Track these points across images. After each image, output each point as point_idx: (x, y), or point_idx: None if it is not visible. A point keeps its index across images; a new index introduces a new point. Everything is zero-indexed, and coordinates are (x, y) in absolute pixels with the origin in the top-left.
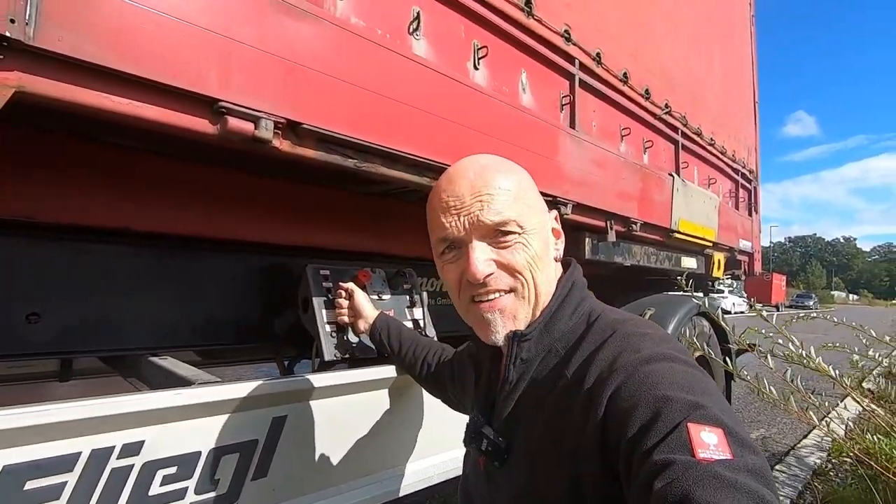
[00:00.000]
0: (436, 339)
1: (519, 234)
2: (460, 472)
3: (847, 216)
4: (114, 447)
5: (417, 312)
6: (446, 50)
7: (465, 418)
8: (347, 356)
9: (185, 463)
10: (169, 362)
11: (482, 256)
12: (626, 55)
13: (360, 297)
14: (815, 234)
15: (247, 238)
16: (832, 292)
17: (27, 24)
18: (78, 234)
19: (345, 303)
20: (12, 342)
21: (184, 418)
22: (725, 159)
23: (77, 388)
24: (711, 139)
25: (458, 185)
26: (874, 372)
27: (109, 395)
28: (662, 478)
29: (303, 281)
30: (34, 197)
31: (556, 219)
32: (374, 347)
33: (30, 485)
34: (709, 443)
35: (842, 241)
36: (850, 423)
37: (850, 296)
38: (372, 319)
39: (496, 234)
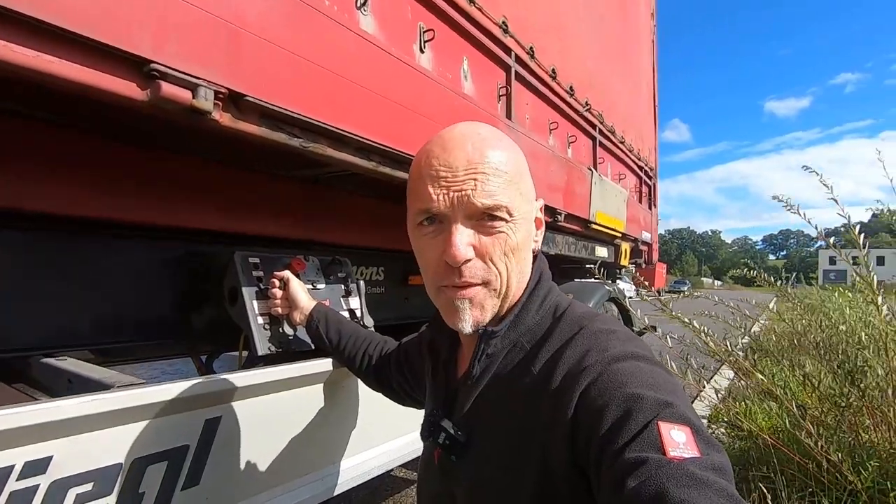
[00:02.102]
0: (373, 328)
1: (506, 221)
2: (399, 464)
3: (714, 211)
4: (13, 466)
5: (354, 302)
6: (393, 29)
7: (404, 409)
8: (282, 349)
9: (103, 478)
10: (71, 363)
11: (465, 240)
12: (555, 53)
13: (296, 285)
14: (689, 227)
15: (161, 222)
16: (702, 279)
17: None
18: None
19: (279, 293)
20: None
21: (100, 427)
22: (633, 156)
23: None
24: (622, 138)
25: (452, 155)
26: (741, 342)
27: (3, 407)
28: (635, 476)
29: (230, 270)
30: None
31: (540, 209)
32: (309, 341)
33: None
34: (678, 441)
35: (710, 233)
36: (722, 392)
37: (716, 282)
38: (309, 310)
39: (483, 218)
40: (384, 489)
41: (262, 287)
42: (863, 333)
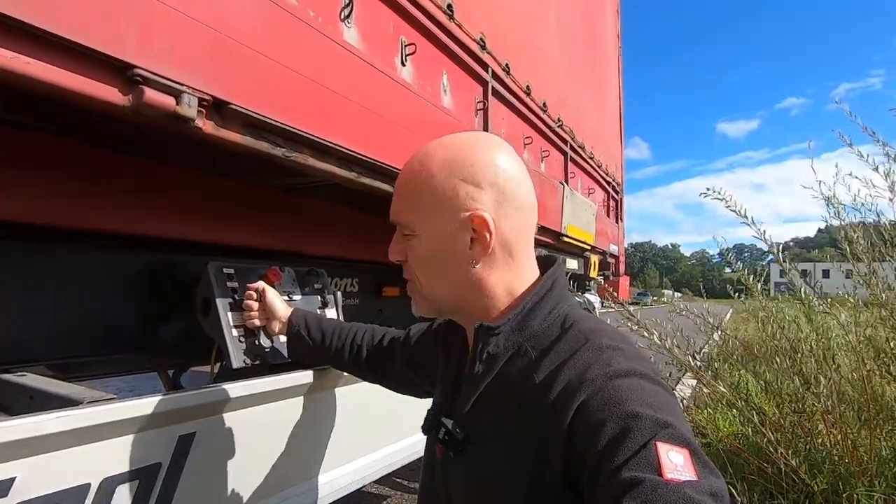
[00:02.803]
0: None
1: (411, 236)
2: (384, 473)
3: (673, 226)
4: None
5: (330, 313)
6: (376, 42)
7: (381, 421)
8: (258, 363)
9: (70, 499)
10: (31, 379)
11: (393, 245)
12: (528, 70)
13: (272, 295)
14: (650, 241)
15: (127, 231)
16: (663, 290)
17: None
18: None
19: (255, 304)
20: None
21: (68, 446)
22: (601, 172)
23: None
24: (591, 153)
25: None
26: (702, 352)
27: None
28: (631, 496)
29: (203, 280)
30: None
31: (480, 224)
32: (285, 353)
33: None
34: (676, 463)
35: (670, 247)
36: (686, 400)
37: (676, 293)
38: (286, 317)
39: (402, 230)
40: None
41: (237, 298)
42: (812, 343)
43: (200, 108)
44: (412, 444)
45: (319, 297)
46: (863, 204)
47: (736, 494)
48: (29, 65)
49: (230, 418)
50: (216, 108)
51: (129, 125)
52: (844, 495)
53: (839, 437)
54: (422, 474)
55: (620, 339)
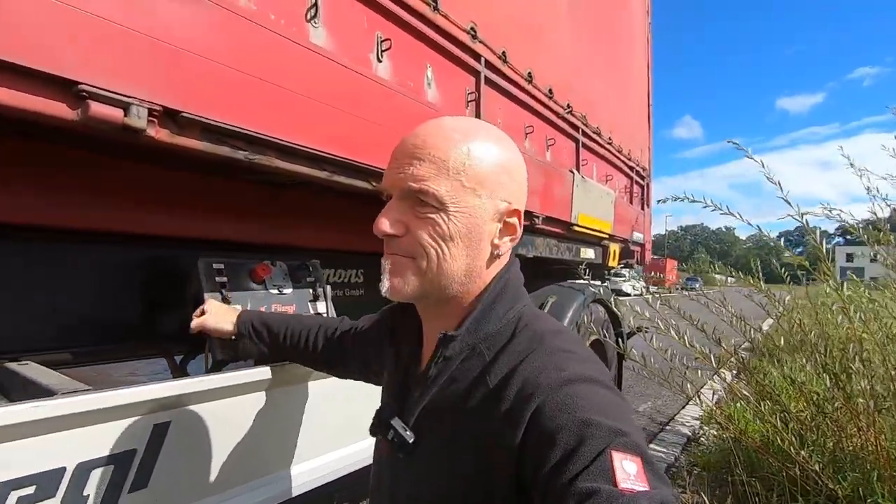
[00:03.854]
0: None
1: (437, 209)
2: (352, 470)
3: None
4: None
5: (321, 306)
6: (347, 40)
7: (356, 414)
8: (239, 358)
9: (45, 481)
10: (31, 369)
11: (391, 216)
12: (531, 55)
13: (215, 306)
14: (702, 224)
15: (127, 229)
16: (714, 275)
17: None
18: None
19: (198, 321)
20: None
21: (43, 433)
22: (622, 157)
23: None
24: (609, 139)
25: (406, 140)
26: (741, 347)
27: None
28: None
29: (193, 276)
30: None
31: (516, 215)
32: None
33: None
34: (629, 472)
35: (724, 230)
36: (719, 395)
37: (729, 278)
38: (234, 322)
39: (416, 201)
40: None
41: (225, 293)
42: (864, 335)
43: (151, 119)
44: None
45: (311, 290)
46: None
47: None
48: None
49: (203, 409)
50: (170, 116)
51: (94, 137)
52: (869, 501)
53: (871, 438)
54: (371, 475)
55: (573, 341)
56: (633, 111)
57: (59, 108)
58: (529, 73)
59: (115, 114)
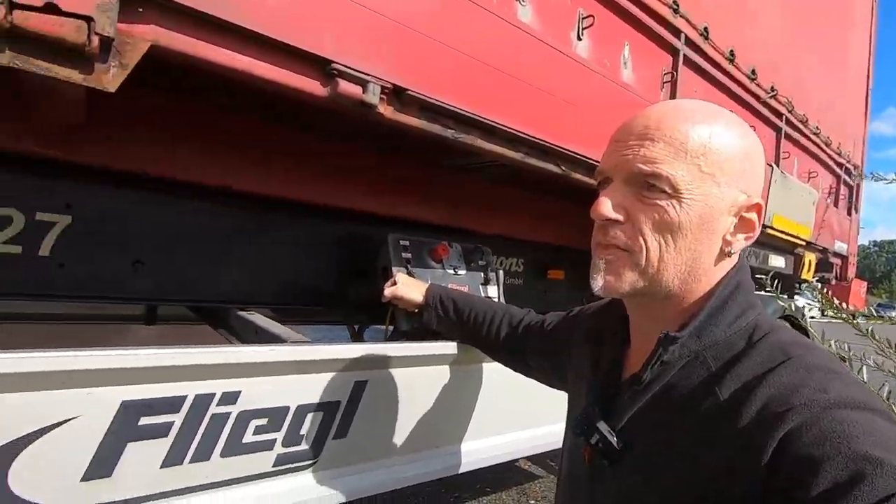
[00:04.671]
0: None
1: (667, 195)
2: (526, 455)
3: None
4: (214, 394)
5: (492, 290)
6: (551, 18)
7: (533, 400)
8: (421, 327)
9: (274, 416)
10: (257, 318)
11: (613, 199)
12: (733, 32)
13: (404, 278)
14: None
15: (332, 203)
16: None
17: None
18: (181, 191)
19: (390, 290)
20: (118, 286)
21: (275, 374)
22: (829, 151)
23: (162, 333)
24: (817, 128)
25: (635, 121)
26: None
27: (212, 345)
28: None
29: (383, 250)
30: (146, 153)
31: (755, 210)
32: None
33: (143, 420)
34: None
35: None
36: None
37: None
38: (423, 293)
39: (643, 185)
40: (511, 478)
41: (410, 268)
42: None
43: (382, 96)
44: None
45: (482, 274)
46: None
47: None
48: (257, 66)
49: (397, 373)
50: (396, 94)
51: (331, 114)
52: None
53: None
54: (563, 476)
55: (830, 358)
56: (846, 97)
57: (312, 85)
58: (731, 51)
59: (356, 91)
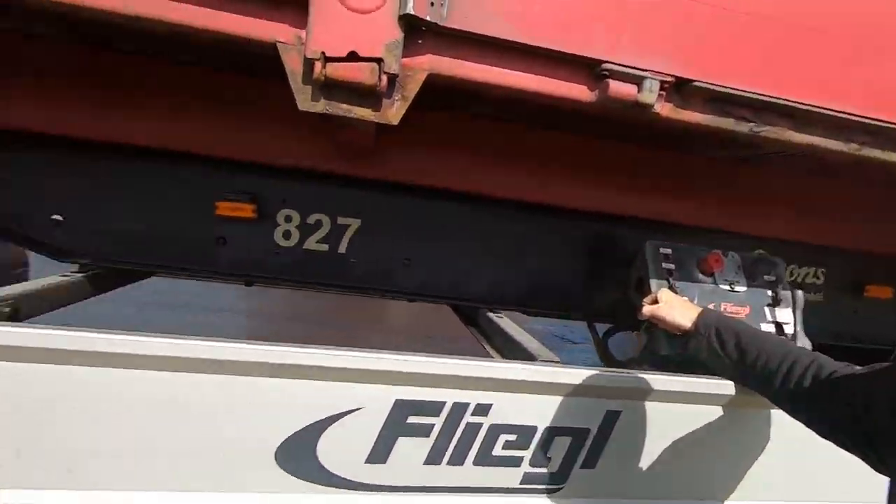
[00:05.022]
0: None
1: None
2: None
3: None
4: (469, 404)
5: (784, 314)
6: None
7: (837, 468)
8: (680, 353)
9: (523, 434)
10: (505, 323)
11: None
12: None
13: (669, 296)
14: None
15: (578, 206)
16: None
17: (441, 5)
18: (445, 196)
19: (650, 309)
20: (387, 281)
21: (526, 391)
22: None
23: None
24: None
25: None
26: None
27: (469, 358)
28: None
29: (639, 258)
30: (416, 164)
31: None
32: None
33: (411, 419)
34: None
35: None
36: None
37: None
38: (693, 319)
39: None
40: None
41: (672, 281)
42: None
43: (661, 92)
44: None
45: (770, 292)
46: None
47: None
48: (522, 78)
49: (655, 407)
50: (677, 88)
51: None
52: None
53: None
54: None
55: None
56: None
57: (579, 91)
58: None
59: (630, 91)
